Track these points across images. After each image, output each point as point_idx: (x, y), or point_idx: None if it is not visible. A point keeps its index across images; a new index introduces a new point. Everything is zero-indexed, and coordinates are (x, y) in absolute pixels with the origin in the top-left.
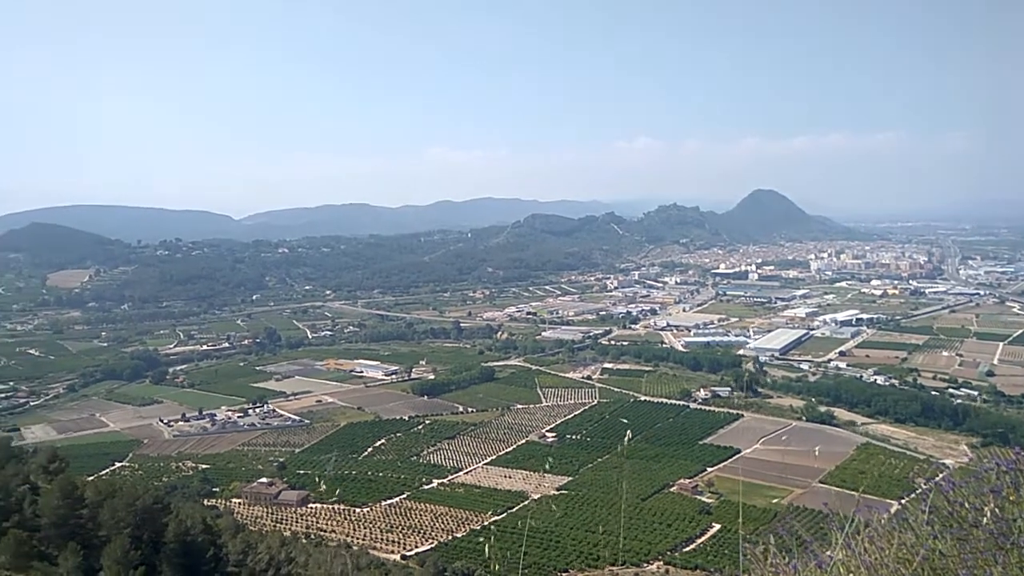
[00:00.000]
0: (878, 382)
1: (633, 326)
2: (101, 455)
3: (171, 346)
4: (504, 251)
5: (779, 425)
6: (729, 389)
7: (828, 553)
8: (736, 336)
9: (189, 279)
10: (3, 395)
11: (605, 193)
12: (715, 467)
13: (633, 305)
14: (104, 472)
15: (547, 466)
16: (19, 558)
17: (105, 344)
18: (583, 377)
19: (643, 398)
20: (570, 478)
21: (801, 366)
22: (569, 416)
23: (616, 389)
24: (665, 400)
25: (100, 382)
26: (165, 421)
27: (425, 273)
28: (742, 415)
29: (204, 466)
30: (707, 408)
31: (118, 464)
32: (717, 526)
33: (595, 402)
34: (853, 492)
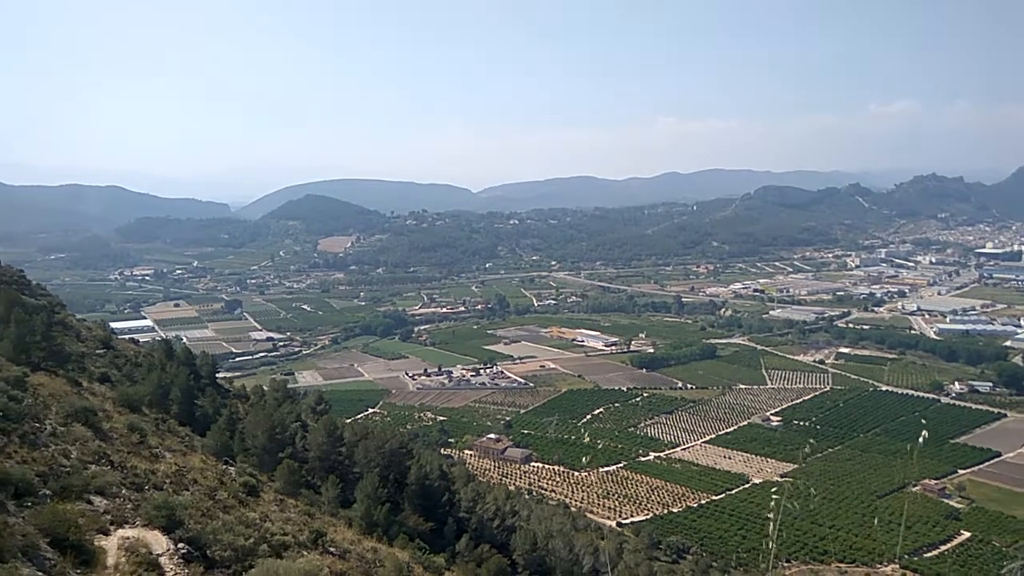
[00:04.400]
0: None
1: (876, 309)
2: (357, 401)
3: (416, 307)
4: (732, 224)
5: None
6: (991, 384)
7: None
8: (1003, 325)
9: (433, 247)
10: (282, 343)
11: (849, 163)
12: (968, 470)
13: (877, 286)
14: (359, 416)
15: (776, 450)
16: (290, 485)
17: (363, 303)
18: (814, 361)
19: (884, 388)
20: (795, 466)
21: None
22: (797, 401)
23: (852, 376)
24: (911, 392)
25: (358, 336)
26: (410, 375)
27: (648, 246)
28: (1005, 414)
29: (441, 418)
30: (962, 404)
31: (370, 410)
32: (967, 534)
33: (827, 388)
34: None
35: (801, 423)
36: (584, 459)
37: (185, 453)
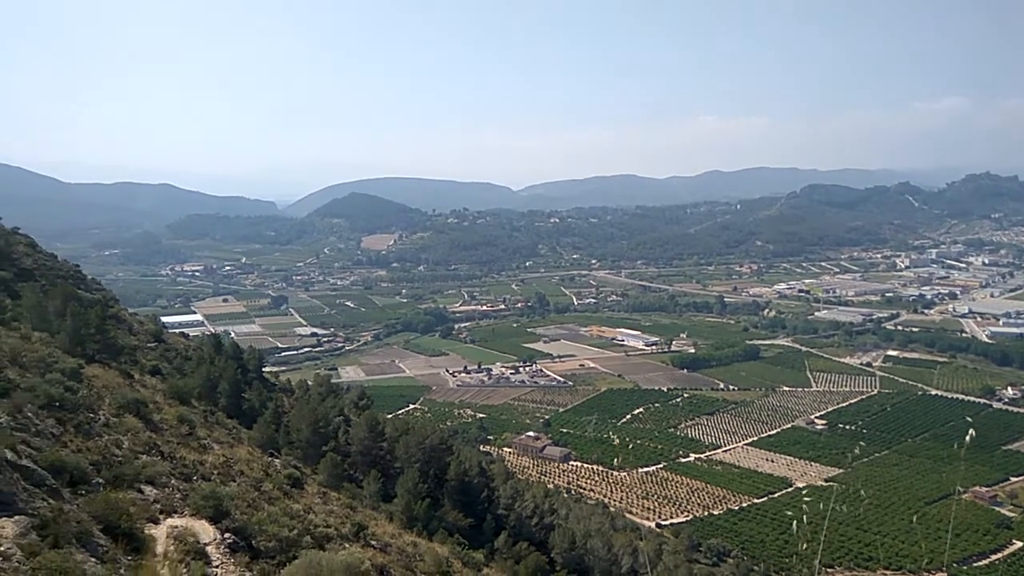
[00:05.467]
0: None
1: (926, 311)
2: (398, 397)
3: (457, 305)
4: (776, 224)
5: None
6: None
7: None
8: None
9: (473, 245)
10: (326, 339)
11: (897, 161)
12: (1021, 477)
13: (927, 287)
14: (400, 412)
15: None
16: (333, 478)
17: (404, 300)
18: (861, 363)
19: (933, 392)
20: (840, 470)
21: None
22: (842, 404)
23: (901, 379)
24: (961, 396)
25: (399, 333)
26: (450, 371)
27: (689, 245)
28: None
29: (481, 415)
30: (1015, 410)
31: (411, 406)
32: (1019, 544)
33: (874, 391)
34: None
35: (847, 427)
36: (616, 460)
37: (232, 445)
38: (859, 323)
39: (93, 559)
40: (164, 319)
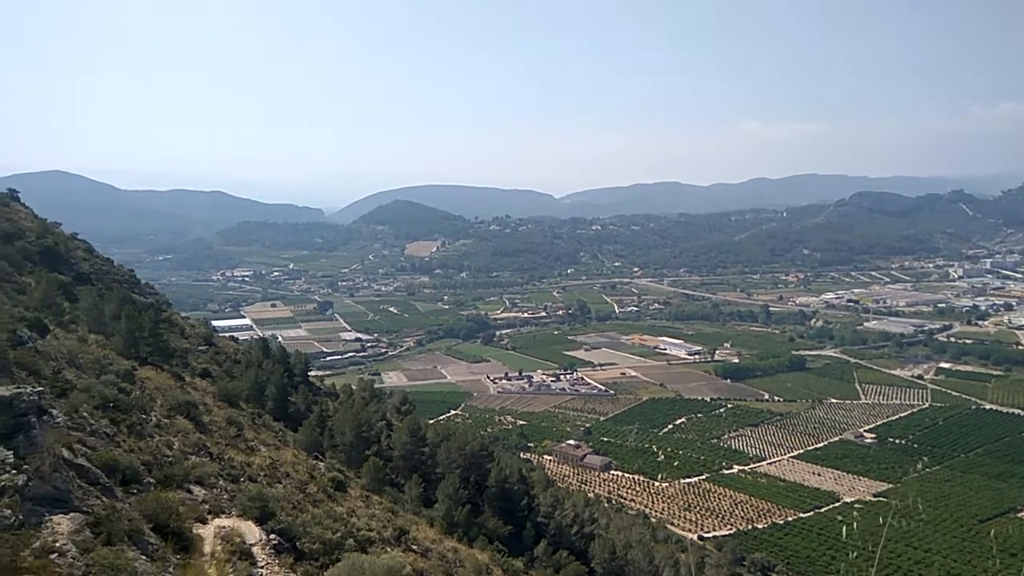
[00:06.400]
0: None
1: (980, 322)
2: (439, 402)
3: (498, 312)
4: (824, 232)
5: None
6: None
7: None
8: None
9: (515, 252)
10: (370, 344)
11: (951, 168)
12: None
13: (982, 298)
14: (441, 417)
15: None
16: (376, 482)
17: (446, 306)
18: (912, 376)
19: (988, 406)
20: (890, 485)
21: None
22: (892, 417)
23: (953, 392)
24: (1018, 411)
25: (441, 339)
26: (491, 378)
27: (734, 253)
28: None
29: (521, 422)
30: None
31: (452, 411)
32: None
33: (926, 405)
34: None
35: (897, 440)
36: (660, 475)
37: (278, 447)
38: (910, 334)
39: (143, 557)
40: (214, 323)
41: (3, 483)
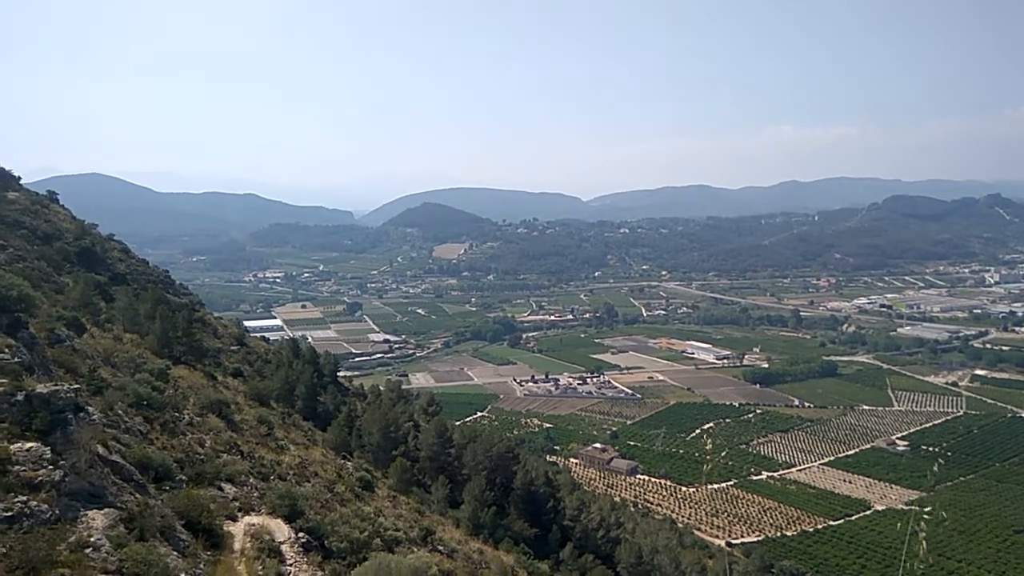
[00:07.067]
0: None
1: (1017, 328)
2: (466, 404)
3: (525, 314)
4: (856, 236)
5: None
6: None
7: None
8: None
9: (542, 255)
10: (398, 346)
11: (988, 172)
12: None
13: (1019, 304)
14: (468, 419)
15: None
16: (403, 482)
17: (474, 309)
18: (947, 383)
19: None
20: (922, 494)
21: None
22: (926, 425)
23: (989, 400)
24: None
25: (468, 341)
26: (517, 380)
27: (764, 257)
28: None
29: (547, 425)
30: None
31: (479, 413)
32: None
33: (960, 412)
34: None
35: (930, 448)
36: (697, 482)
37: (307, 446)
38: (945, 340)
39: (175, 553)
40: (246, 323)
41: (40, 478)
